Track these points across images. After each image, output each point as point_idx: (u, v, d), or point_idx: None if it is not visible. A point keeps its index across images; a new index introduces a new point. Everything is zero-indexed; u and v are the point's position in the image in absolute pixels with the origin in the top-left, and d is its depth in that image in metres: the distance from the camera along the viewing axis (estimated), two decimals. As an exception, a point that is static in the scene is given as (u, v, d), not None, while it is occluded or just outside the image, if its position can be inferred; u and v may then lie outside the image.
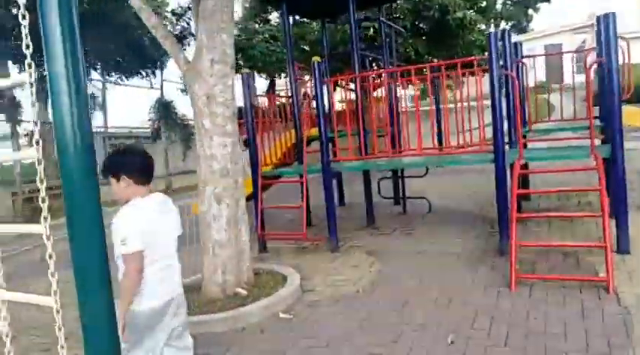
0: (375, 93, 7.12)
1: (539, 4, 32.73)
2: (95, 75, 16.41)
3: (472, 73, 5.61)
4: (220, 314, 4.14)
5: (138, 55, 13.38)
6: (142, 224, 2.36)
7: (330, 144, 5.79)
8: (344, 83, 8.00)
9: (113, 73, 15.24)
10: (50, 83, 1.30)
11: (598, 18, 4.48)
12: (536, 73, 6.89)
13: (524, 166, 5.68)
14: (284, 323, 3.98)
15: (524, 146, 6.68)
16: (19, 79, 1.40)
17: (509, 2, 32.36)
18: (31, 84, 1.33)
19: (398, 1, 10.06)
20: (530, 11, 32.92)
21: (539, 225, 5.73)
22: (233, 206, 4.57)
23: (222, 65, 4.49)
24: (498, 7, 31.83)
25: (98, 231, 1.39)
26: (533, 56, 7.49)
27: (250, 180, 6.12)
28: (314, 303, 4.33)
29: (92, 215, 1.40)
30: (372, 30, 9.98)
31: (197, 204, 8.03)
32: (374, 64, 11.03)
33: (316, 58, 5.82)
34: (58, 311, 1.37)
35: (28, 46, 1.30)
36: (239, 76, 6.46)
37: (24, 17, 1.28)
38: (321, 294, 4.53)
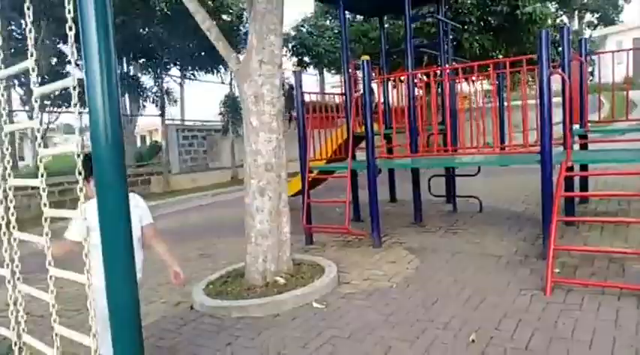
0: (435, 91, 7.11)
1: (631, -7, 30.51)
2: (174, 71, 17.51)
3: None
4: (258, 300, 4.42)
5: (211, 53, 14.05)
6: None
7: (375, 141, 5.86)
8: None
9: (190, 69, 16.10)
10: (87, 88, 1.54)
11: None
12: (628, 67, 6.47)
13: (584, 168, 5.49)
14: (316, 313, 4.16)
15: (585, 147, 6.43)
16: (62, 84, 1.66)
17: (594, -6, 30.44)
18: (74, 88, 1.57)
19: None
20: (621, 1, 30.70)
21: (590, 229, 5.50)
22: (275, 199, 4.82)
23: (270, 66, 4.73)
24: (584, -2, 30.06)
25: (125, 221, 1.58)
26: (602, 53, 7.11)
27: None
28: (347, 295, 4.48)
29: (119, 204, 1.58)
30: (433, 26, 9.88)
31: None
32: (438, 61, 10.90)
33: (365, 57, 5.90)
34: (88, 286, 1.62)
35: (73, 53, 1.56)
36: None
37: (70, 29, 1.53)
38: (356, 287, 4.68)
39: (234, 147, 15.54)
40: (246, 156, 4.87)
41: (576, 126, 6.30)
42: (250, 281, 4.81)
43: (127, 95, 15.03)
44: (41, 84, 1.74)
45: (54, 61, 16.07)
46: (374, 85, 7.60)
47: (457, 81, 7.10)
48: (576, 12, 30.23)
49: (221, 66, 15.13)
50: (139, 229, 3.09)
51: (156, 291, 5.19)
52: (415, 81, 6.77)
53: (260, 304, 4.36)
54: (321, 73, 19.22)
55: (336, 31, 14.88)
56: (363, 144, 6.47)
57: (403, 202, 8.50)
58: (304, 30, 16.22)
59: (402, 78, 6.84)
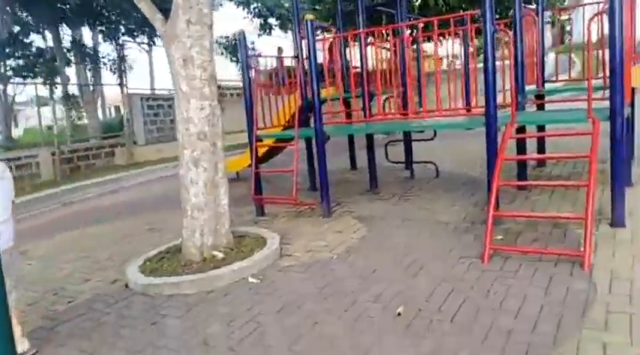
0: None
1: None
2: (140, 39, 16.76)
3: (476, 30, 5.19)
4: (191, 277, 4.23)
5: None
6: None
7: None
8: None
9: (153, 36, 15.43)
10: None
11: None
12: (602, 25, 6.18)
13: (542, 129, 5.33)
14: (250, 288, 4.00)
15: (541, 107, 6.27)
16: None
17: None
18: None
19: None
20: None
21: (541, 193, 5.39)
22: (211, 169, 4.58)
23: (199, 26, 4.41)
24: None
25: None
26: (563, 9, 6.85)
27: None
28: (286, 268, 4.33)
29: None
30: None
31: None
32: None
33: (309, 16, 5.58)
34: None
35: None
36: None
37: None
38: (296, 259, 4.51)
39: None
40: (177, 125, 4.60)
41: (533, 87, 6.13)
42: (187, 256, 4.62)
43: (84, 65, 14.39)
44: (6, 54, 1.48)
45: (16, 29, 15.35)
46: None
47: (416, 40, 6.80)
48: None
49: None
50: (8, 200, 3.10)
51: (94, 269, 5.00)
52: (370, 41, 6.48)
53: (193, 280, 4.18)
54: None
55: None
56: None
57: (363, 170, 8.31)
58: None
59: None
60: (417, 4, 10.51)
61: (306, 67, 5.97)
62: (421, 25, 5.21)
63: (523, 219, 4.58)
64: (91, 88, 16.09)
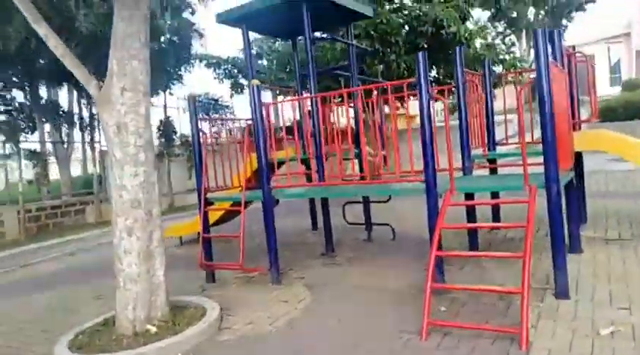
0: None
1: (574, 14, 31.54)
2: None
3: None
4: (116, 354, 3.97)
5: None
6: None
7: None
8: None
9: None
10: None
11: (535, 32, 4.04)
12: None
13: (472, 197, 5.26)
14: (175, 369, 3.75)
15: (494, 171, 6.26)
16: None
17: (541, 13, 31.32)
18: None
19: (370, 22, 9.72)
20: (565, 21, 31.67)
21: (492, 260, 5.27)
22: (145, 238, 4.40)
23: (133, 93, 4.36)
24: (530, 17, 30.88)
25: None
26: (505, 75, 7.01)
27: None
28: (222, 343, 4.09)
29: None
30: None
31: (171, 228, 7.92)
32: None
33: (255, 82, 5.61)
34: None
35: None
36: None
37: None
38: (234, 333, 4.28)
39: (170, 173, 15.01)
40: (112, 192, 4.46)
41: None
42: (120, 330, 4.35)
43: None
44: None
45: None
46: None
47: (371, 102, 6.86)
48: (524, 31, 31.12)
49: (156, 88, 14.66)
50: None
51: (27, 343, 4.66)
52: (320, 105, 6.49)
53: (121, 360, 3.91)
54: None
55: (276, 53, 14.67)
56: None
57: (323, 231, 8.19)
58: (254, 51, 15.98)
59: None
60: (379, 68, 10.72)
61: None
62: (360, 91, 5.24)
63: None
64: (65, 145, 16.00)
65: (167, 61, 13.74)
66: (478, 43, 11.43)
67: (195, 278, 6.12)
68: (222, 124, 7.75)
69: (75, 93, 15.52)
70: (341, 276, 5.56)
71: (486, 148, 5.81)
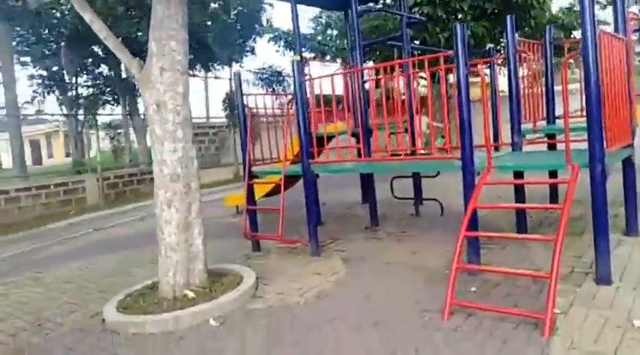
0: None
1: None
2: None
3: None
4: (154, 317, 4.25)
5: (203, 51, 13.97)
6: None
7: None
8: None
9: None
10: None
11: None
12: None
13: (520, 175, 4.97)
14: (208, 331, 3.96)
15: (552, 147, 5.87)
16: None
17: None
18: None
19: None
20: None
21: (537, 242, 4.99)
22: (183, 210, 4.63)
23: (171, 72, 4.53)
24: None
25: None
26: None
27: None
28: (252, 312, 4.26)
29: None
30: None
31: (230, 197, 8.27)
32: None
33: (296, 57, 5.60)
34: None
35: None
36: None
37: None
38: (265, 302, 4.44)
39: (235, 143, 15.51)
40: (154, 166, 4.71)
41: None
42: (161, 294, 4.66)
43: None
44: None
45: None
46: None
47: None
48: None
49: (218, 62, 15.05)
50: None
51: (86, 300, 5.09)
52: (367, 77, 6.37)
53: (156, 320, 4.20)
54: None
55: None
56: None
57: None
58: (323, 21, 15.91)
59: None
60: (443, 36, 10.23)
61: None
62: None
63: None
64: (141, 116, 16.97)
65: (236, 34, 13.99)
66: (555, 6, 10.54)
67: (243, 246, 6.36)
68: (275, 98, 7.83)
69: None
70: (379, 251, 5.54)
71: (540, 122, 5.43)
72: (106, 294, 5.24)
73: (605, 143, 3.65)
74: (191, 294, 4.59)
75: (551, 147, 5.96)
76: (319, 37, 13.16)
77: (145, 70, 4.56)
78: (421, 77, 14.34)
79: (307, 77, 5.56)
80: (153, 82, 4.51)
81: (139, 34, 12.62)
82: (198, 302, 4.44)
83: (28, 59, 16.38)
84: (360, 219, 7.21)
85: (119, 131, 14.00)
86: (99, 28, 4.57)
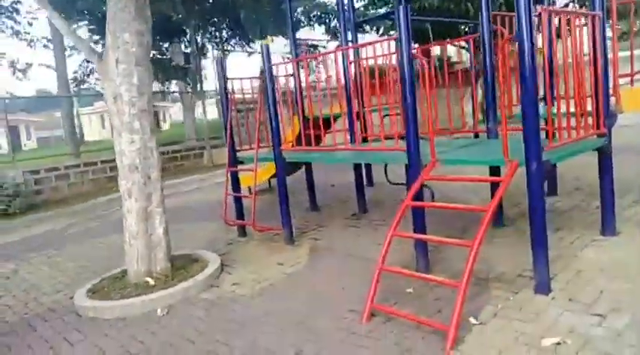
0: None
1: None
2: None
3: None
4: (110, 303, 4.46)
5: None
6: None
7: (279, 130, 5.44)
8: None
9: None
10: None
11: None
12: None
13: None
14: (148, 321, 4.10)
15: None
16: None
17: None
18: None
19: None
20: None
21: (512, 235, 4.63)
22: (143, 200, 4.76)
23: (126, 64, 4.60)
24: None
25: None
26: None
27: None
28: (199, 302, 4.34)
29: None
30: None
31: (244, 178, 8.41)
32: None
33: (266, 41, 5.46)
34: None
35: None
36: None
37: None
38: (217, 293, 4.51)
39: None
40: (116, 157, 4.86)
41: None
42: (128, 279, 4.89)
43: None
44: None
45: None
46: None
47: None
48: None
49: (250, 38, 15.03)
50: None
51: (77, 279, 5.37)
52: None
53: (110, 307, 4.41)
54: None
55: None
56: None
57: (379, 186, 7.91)
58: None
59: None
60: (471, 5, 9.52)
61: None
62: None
63: (457, 270, 4.01)
64: (190, 94, 17.49)
65: (269, 9, 13.89)
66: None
67: (231, 231, 6.47)
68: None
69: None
70: (351, 241, 5.41)
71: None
72: (98, 275, 5.56)
73: (555, 136, 3.27)
74: (151, 282, 4.76)
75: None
76: (370, 11, 12.65)
77: (103, 62, 4.67)
78: (462, 47, 13.51)
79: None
80: (109, 73, 4.61)
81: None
82: (155, 289, 4.61)
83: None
84: (350, 203, 7.06)
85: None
86: (60, 24, 4.71)
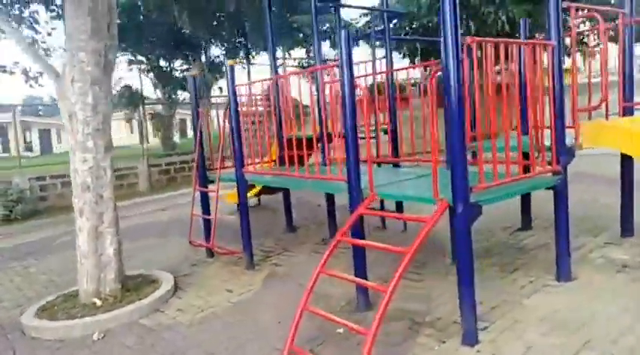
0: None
1: None
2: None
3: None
4: (52, 323, 4.41)
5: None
6: None
7: (242, 151, 5.33)
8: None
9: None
10: None
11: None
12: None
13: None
14: (83, 345, 4.04)
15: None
16: None
17: None
18: None
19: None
20: None
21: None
22: (94, 219, 4.72)
23: (81, 83, 4.60)
24: None
25: None
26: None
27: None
28: (137, 328, 4.25)
29: None
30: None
31: (230, 194, 8.34)
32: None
33: (230, 62, 5.39)
34: None
35: None
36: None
37: None
38: (158, 319, 4.41)
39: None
40: (71, 175, 4.85)
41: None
42: (79, 299, 4.84)
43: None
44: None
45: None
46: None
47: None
48: None
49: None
50: None
51: (43, 293, 5.34)
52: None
53: (53, 327, 4.36)
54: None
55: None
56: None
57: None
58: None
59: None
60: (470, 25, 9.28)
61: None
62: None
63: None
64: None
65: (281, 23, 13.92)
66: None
67: (201, 250, 6.37)
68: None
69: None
70: (308, 268, 5.19)
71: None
72: (61, 290, 5.55)
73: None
74: (99, 303, 4.70)
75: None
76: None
77: (60, 81, 4.68)
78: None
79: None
80: (66, 92, 4.62)
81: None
82: (100, 311, 4.55)
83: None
84: (327, 226, 6.88)
85: (165, 121, 14.73)
86: (17, 40, 4.76)
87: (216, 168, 6.20)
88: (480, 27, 9.40)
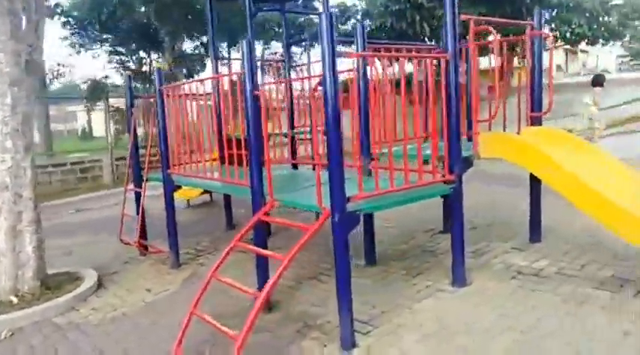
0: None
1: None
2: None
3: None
4: (-37, 321, 4.45)
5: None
6: None
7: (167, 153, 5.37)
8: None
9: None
10: None
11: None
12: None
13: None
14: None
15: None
16: None
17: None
18: None
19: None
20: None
21: (370, 275, 4.47)
22: (12, 219, 4.73)
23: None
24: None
25: None
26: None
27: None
28: (46, 327, 4.28)
29: None
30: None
31: (180, 191, 8.34)
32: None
33: (159, 65, 5.43)
34: None
35: None
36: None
37: None
38: (70, 317, 4.45)
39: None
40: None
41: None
42: (-1, 296, 4.86)
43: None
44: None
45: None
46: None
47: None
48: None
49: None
50: None
51: None
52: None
53: (-36, 325, 4.39)
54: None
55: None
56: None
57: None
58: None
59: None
60: (428, 25, 9.35)
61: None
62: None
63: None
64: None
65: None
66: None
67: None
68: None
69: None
70: (232, 270, 5.29)
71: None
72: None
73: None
74: (15, 300, 4.73)
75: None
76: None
77: (-22, 82, 4.67)
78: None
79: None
80: (-18, 93, 4.61)
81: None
82: (15, 309, 4.58)
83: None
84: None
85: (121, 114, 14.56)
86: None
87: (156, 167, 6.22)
88: (437, 28, 9.50)
